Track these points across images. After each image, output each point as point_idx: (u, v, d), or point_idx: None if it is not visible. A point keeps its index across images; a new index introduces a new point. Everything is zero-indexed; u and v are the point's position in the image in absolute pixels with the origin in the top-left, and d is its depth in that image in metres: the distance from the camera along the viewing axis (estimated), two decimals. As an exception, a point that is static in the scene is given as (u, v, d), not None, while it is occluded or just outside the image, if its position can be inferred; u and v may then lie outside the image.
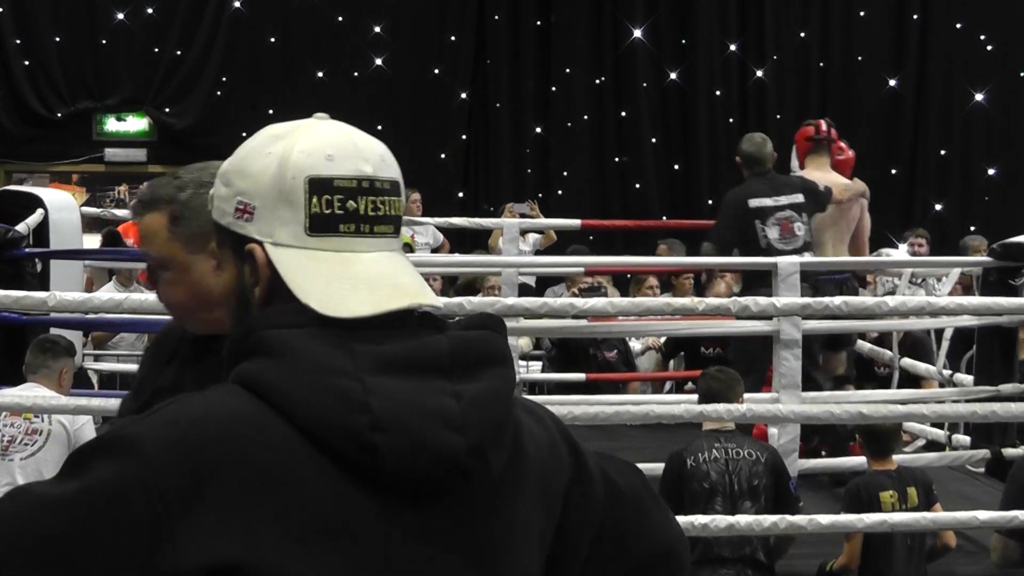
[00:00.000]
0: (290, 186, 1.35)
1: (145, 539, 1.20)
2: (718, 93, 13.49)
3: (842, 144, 7.38)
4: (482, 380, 1.33)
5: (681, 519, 4.87)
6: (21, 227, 5.87)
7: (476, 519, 1.33)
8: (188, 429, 1.24)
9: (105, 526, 1.21)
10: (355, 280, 1.33)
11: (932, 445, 7.55)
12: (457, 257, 6.64)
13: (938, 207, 13.54)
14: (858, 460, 5.83)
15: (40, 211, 6.30)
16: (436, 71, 13.40)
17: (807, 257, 6.83)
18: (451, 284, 9.29)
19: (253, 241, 1.37)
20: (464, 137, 13.47)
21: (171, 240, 2.14)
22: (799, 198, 7.03)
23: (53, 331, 5.96)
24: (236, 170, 1.41)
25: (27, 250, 5.88)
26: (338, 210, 1.34)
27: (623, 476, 1.53)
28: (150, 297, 5.12)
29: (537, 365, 8.97)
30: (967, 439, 6.72)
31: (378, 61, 13.33)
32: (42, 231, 6.30)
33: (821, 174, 6.94)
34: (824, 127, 7.01)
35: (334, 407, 1.25)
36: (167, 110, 13.20)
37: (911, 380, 7.54)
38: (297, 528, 1.23)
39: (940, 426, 7.04)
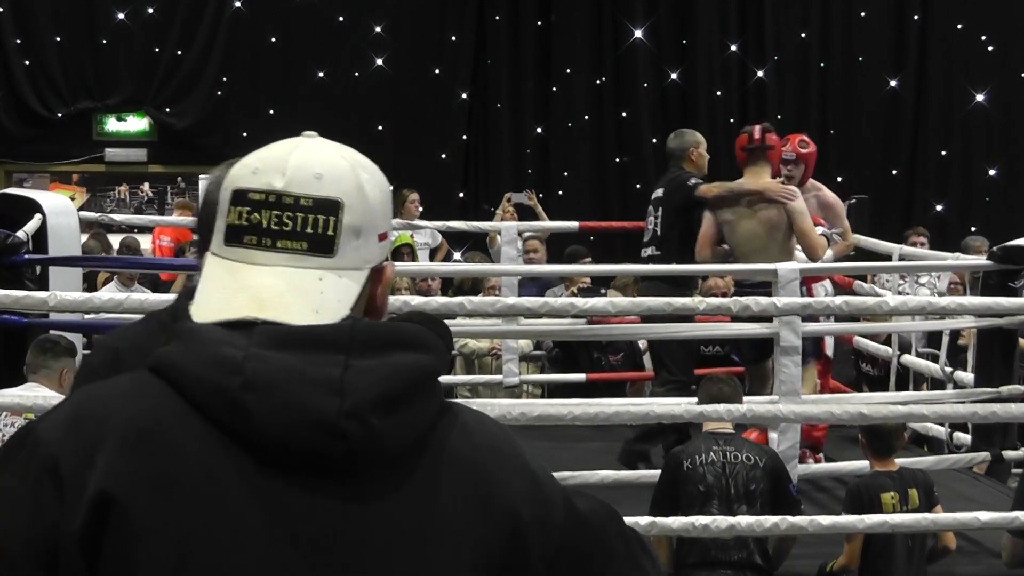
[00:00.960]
0: (223, 198, 1.41)
1: (52, 514, 1.29)
2: (718, 93, 13.49)
3: (804, 137, 7.29)
4: (383, 359, 1.34)
5: (681, 520, 4.89)
6: (20, 234, 5.87)
7: (372, 503, 1.33)
8: (78, 410, 1.34)
9: (15, 519, 1.30)
10: (225, 289, 1.38)
11: (933, 443, 7.56)
12: (461, 266, 6.64)
13: (938, 207, 13.54)
14: (859, 463, 5.83)
15: (38, 216, 6.29)
16: (436, 71, 13.40)
17: (650, 251, 6.95)
18: (449, 284, 9.30)
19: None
20: (464, 137, 13.47)
21: None
22: (660, 192, 7.22)
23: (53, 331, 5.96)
24: None
25: (26, 256, 5.87)
26: (244, 222, 1.38)
27: (592, 510, 1.52)
28: (150, 297, 5.14)
29: (537, 366, 8.97)
30: (967, 437, 6.72)
31: (378, 61, 13.33)
32: (40, 236, 6.29)
33: (754, 181, 6.90)
34: (757, 134, 6.94)
35: (211, 371, 1.30)
36: (167, 110, 13.20)
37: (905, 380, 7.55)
38: (168, 484, 1.29)
39: (941, 425, 7.05)
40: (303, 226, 1.38)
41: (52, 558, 1.29)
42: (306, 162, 1.40)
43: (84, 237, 8.26)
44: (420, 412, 1.36)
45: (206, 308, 1.38)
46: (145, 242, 11.04)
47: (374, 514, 1.34)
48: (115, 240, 10.50)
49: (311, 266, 1.38)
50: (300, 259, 1.38)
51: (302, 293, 1.37)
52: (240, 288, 1.37)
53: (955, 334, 7.59)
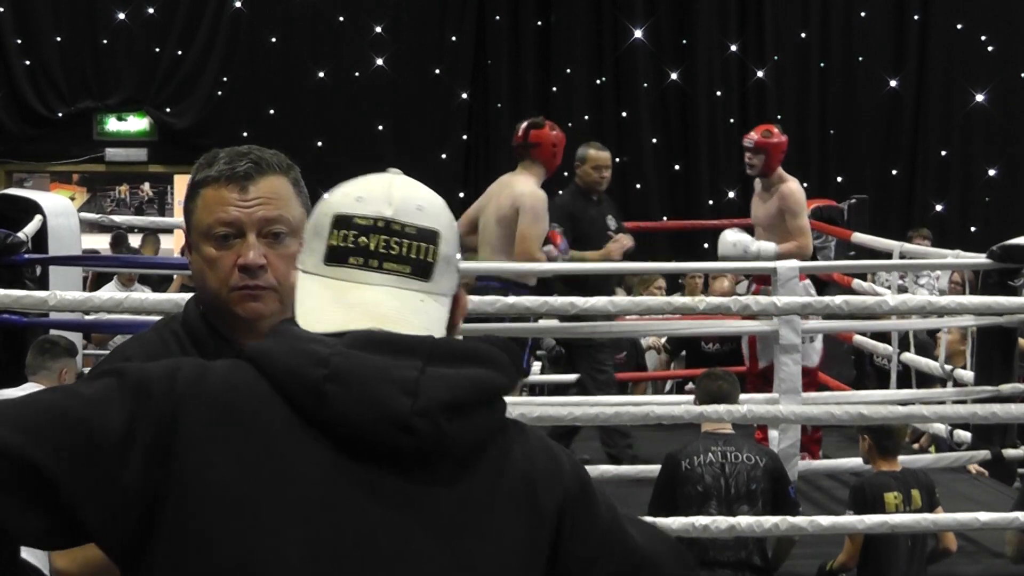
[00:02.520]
0: (322, 222, 1.52)
1: (144, 437, 1.39)
2: (718, 93, 13.49)
3: (769, 127, 7.25)
4: (458, 369, 1.46)
5: (680, 520, 4.88)
6: (20, 235, 5.87)
7: (436, 491, 1.44)
8: (178, 363, 1.47)
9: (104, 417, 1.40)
10: (338, 304, 1.49)
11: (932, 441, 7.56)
12: (462, 264, 6.63)
13: (938, 207, 13.55)
14: (858, 461, 5.82)
15: (38, 217, 6.30)
16: (436, 71, 13.40)
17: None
18: None
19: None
20: (464, 137, 13.47)
21: (301, 207, 2.07)
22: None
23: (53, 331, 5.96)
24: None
25: (26, 256, 5.88)
26: (351, 244, 1.50)
27: (645, 536, 1.62)
28: (150, 297, 5.13)
29: (536, 366, 8.96)
30: (967, 435, 6.72)
31: (378, 61, 13.33)
32: (40, 237, 6.29)
33: (513, 178, 6.92)
34: (521, 132, 6.97)
35: (299, 362, 1.42)
36: (167, 110, 13.20)
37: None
38: (245, 459, 1.39)
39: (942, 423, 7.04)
40: (408, 251, 1.50)
41: (128, 459, 1.38)
42: (409, 195, 1.53)
43: (85, 237, 8.25)
44: (484, 420, 1.48)
45: (318, 320, 1.48)
46: (167, 242, 11.05)
47: (432, 502, 1.44)
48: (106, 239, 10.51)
49: (413, 288, 1.51)
50: (404, 281, 1.50)
51: (413, 311, 1.50)
52: (352, 306, 1.48)
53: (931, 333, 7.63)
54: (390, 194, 1.52)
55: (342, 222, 1.50)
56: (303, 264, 1.53)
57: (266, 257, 2.01)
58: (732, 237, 7.06)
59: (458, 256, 1.57)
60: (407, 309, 1.49)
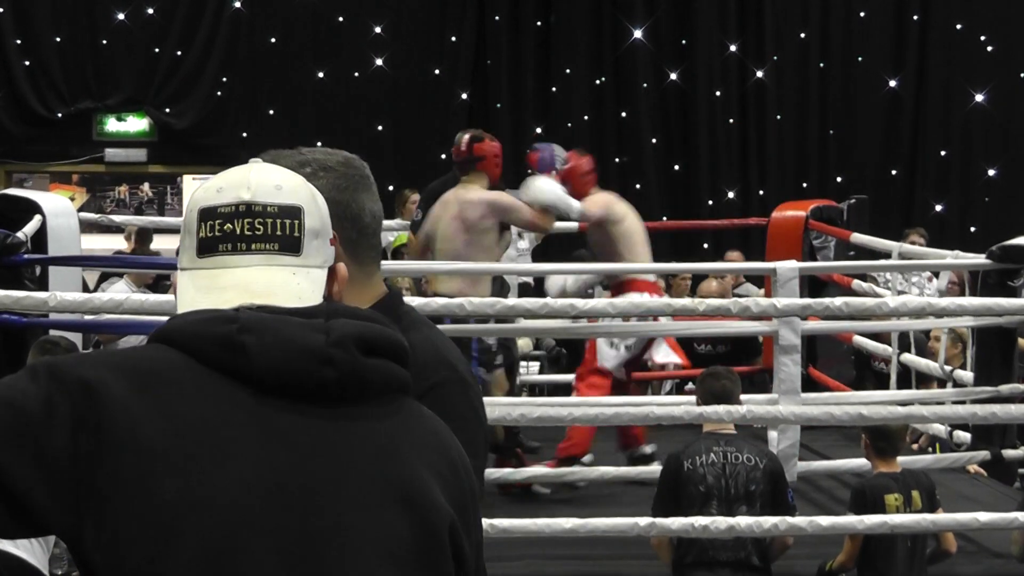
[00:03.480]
0: (190, 219, 1.59)
1: (65, 426, 1.42)
2: (718, 93, 13.49)
3: (570, 154, 7.20)
4: (359, 320, 1.54)
5: (680, 520, 4.89)
6: (19, 235, 5.87)
7: (358, 423, 1.51)
8: (89, 355, 1.54)
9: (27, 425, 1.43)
10: (212, 289, 1.56)
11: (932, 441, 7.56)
12: (459, 266, 6.63)
13: (938, 207, 13.55)
14: (858, 461, 5.83)
15: (38, 218, 6.30)
16: (436, 71, 13.40)
17: None
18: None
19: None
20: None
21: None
22: None
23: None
24: None
25: (26, 256, 5.88)
26: (218, 232, 1.57)
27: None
28: (151, 298, 5.14)
29: (536, 366, 8.98)
30: (967, 436, 6.72)
31: (378, 61, 13.33)
32: (40, 237, 6.30)
33: (465, 191, 6.91)
34: (464, 146, 6.95)
35: (207, 325, 1.49)
36: (167, 110, 13.20)
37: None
38: (173, 419, 1.44)
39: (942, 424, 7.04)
40: (272, 229, 1.57)
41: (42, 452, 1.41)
42: (265, 177, 1.59)
43: (84, 237, 8.25)
44: (394, 370, 1.55)
45: (196, 305, 1.54)
46: (165, 242, 11.03)
47: (356, 430, 1.51)
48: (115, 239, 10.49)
49: (284, 263, 1.57)
50: (273, 258, 1.57)
51: (283, 285, 1.56)
52: (224, 287, 1.55)
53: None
54: (248, 180, 1.58)
55: (207, 214, 1.57)
56: (181, 263, 1.59)
57: None
58: (546, 185, 7.03)
59: (329, 229, 1.62)
60: (277, 283, 1.56)
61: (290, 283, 1.56)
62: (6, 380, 1.47)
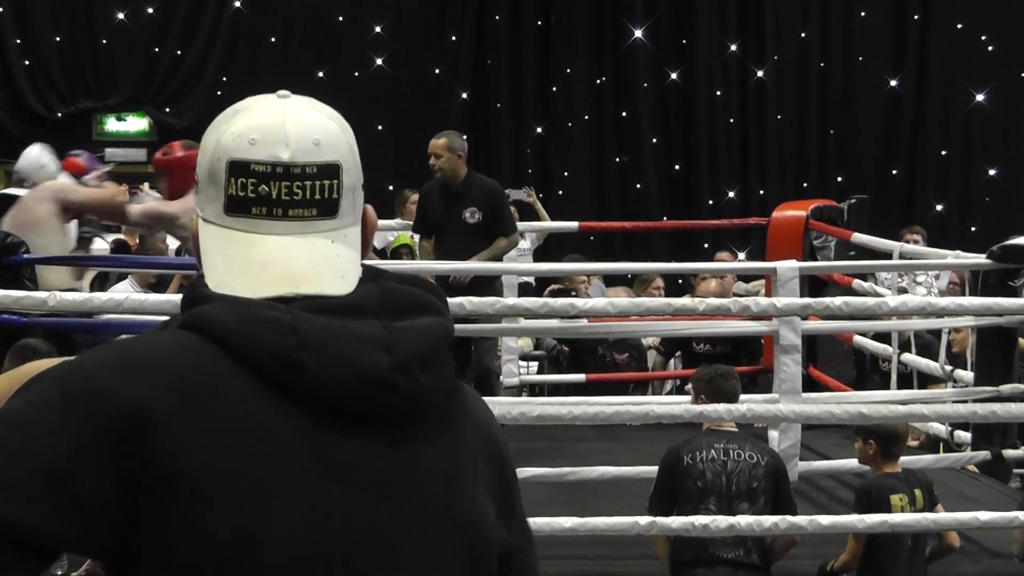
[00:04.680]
0: (216, 167, 1.43)
1: (92, 445, 1.30)
2: (718, 93, 13.49)
3: (171, 145, 7.15)
4: (413, 320, 1.42)
5: (680, 519, 4.89)
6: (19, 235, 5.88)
7: (415, 446, 1.41)
8: (124, 353, 1.36)
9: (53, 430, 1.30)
10: (250, 263, 1.41)
11: (934, 442, 7.55)
12: (459, 265, 6.64)
13: (938, 207, 13.55)
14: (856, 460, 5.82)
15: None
16: (436, 71, 13.40)
17: None
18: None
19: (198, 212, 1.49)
20: (464, 137, 13.44)
21: None
22: None
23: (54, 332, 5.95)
24: (202, 140, 1.50)
25: (25, 256, 5.87)
26: (251, 193, 1.42)
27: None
28: (150, 297, 5.13)
29: (536, 365, 8.97)
30: (968, 435, 6.72)
31: (378, 61, 13.34)
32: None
33: None
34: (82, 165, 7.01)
35: (263, 330, 1.34)
36: (167, 110, 13.20)
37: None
38: (231, 443, 1.32)
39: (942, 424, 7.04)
40: (311, 193, 1.43)
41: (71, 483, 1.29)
42: (303, 129, 1.44)
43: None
44: (448, 367, 1.45)
45: (230, 283, 1.40)
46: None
47: (415, 456, 1.41)
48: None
49: (322, 230, 1.44)
50: (312, 225, 1.43)
51: (325, 260, 1.43)
52: (265, 264, 1.41)
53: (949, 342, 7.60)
54: (285, 133, 1.43)
55: (238, 168, 1.42)
56: (204, 212, 1.45)
57: None
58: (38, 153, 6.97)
59: (361, 175, 1.49)
60: (319, 260, 1.43)
61: (331, 258, 1.43)
62: (25, 410, 1.32)
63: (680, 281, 11.05)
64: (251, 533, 1.32)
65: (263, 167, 1.42)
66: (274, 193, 1.42)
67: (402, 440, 1.40)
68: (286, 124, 1.43)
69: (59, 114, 13.10)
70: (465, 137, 13.36)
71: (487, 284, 7.00)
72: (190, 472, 1.31)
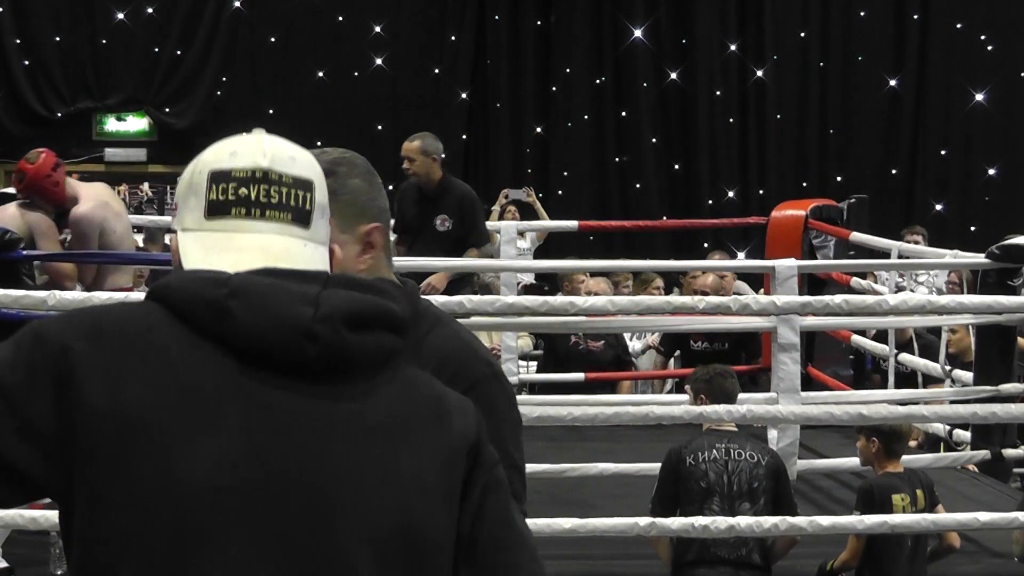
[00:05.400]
0: (198, 179, 1.56)
1: (46, 383, 1.43)
2: (718, 93, 13.48)
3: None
4: (355, 293, 1.50)
5: (680, 520, 4.88)
6: (17, 232, 5.87)
7: (344, 401, 1.48)
8: (78, 313, 1.49)
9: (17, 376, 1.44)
10: (227, 249, 1.52)
11: (932, 442, 7.55)
12: (458, 262, 6.64)
13: (938, 207, 13.54)
14: (858, 461, 5.82)
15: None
16: (436, 71, 13.40)
17: None
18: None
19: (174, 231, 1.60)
20: (464, 137, 13.46)
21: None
22: None
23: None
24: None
25: (24, 252, 5.87)
26: (231, 196, 1.54)
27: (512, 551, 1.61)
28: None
29: (533, 365, 8.96)
30: (967, 435, 6.72)
31: (378, 61, 13.33)
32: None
33: None
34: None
35: (198, 284, 1.46)
36: (167, 110, 13.20)
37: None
38: (156, 383, 1.42)
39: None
40: (287, 199, 1.55)
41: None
42: (279, 146, 1.57)
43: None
44: (384, 340, 1.51)
45: (208, 263, 1.51)
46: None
47: (341, 411, 1.48)
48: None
49: (296, 235, 1.55)
50: (287, 228, 1.55)
51: (300, 252, 1.54)
52: (242, 249, 1.52)
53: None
54: (262, 147, 1.56)
55: (219, 176, 1.54)
56: (182, 224, 1.56)
57: None
58: None
59: (328, 210, 1.60)
60: (295, 249, 1.53)
61: (305, 252, 1.55)
62: None
63: (681, 281, 11.04)
64: (171, 469, 1.40)
65: (243, 172, 1.54)
66: (252, 195, 1.53)
67: (326, 395, 1.47)
68: (263, 142, 1.57)
69: (59, 114, 13.10)
70: (464, 137, 13.44)
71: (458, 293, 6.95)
72: (118, 407, 1.40)
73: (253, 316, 1.44)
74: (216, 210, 1.54)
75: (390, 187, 10.75)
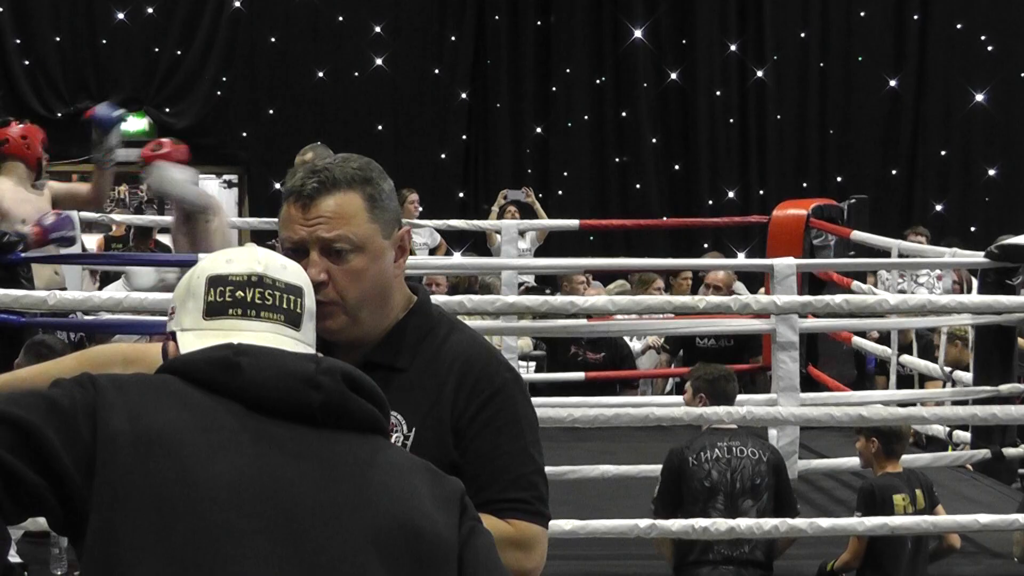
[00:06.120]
0: (195, 284, 1.70)
1: (86, 416, 1.52)
2: (718, 93, 13.48)
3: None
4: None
5: (681, 522, 4.88)
6: (15, 233, 5.86)
7: (342, 447, 1.58)
8: (115, 376, 1.60)
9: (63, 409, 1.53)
10: (226, 339, 1.63)
11: (933, 441, 7.55)
12: (458, 260, 6.65)
13: (938, 207, 13.54)
14: (858, 461, 5.82)
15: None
16: (436, 71, 13.39)
17: None
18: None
19: (173, 335, 1.72)
20: (464, 137, 13.46)
21: (372, 222, 2.12)
22: None
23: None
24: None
25: (23, 254, 5.87)
26: (228, 298, 1.68)
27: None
28: (150, 297, 5.12)
29: (532, 365, 8.95)
30: (967, 435, 6.72)
31: (378, 61, 13.33)
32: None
33: None
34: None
35: (208, 352, 1.60)
36: (167, 110, 13.19)
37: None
38: (175, 417, 1.53)
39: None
40: (280, 302, 1.69)
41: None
42: (271, 257, 1.72)
43: (84, 237, 8.23)
44: (375, 410, 1.63)
45: (203, 344, 1.65)
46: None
47: (342, 450, 1.59)
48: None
49: (288, 335, 1.68)
50: (280, 328, 1.68)
51: (292, 348, 1.67)
52: (240, 342, 1.63)
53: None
54: (256, 256, 1.70)
55: (217, 281, 1.68)
56: (180, 324, 1.69)
57: (329, 272, 2.09)
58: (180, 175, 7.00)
59: (315, 312, 1.74)
60: (288, 347, 1.66)
61: (297, 350, 1.67)
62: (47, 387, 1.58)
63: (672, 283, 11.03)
64: (189, 473, 1.49)
65: (240, 277, 1.68)
66: (248, 297, 1.67)
67: (327, 437, 1.58)
68: (256, 252, 1.72)
69: (59, 114, 13.09)
70: (464, 137, 13.43)
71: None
72: (136, 427, 1.50)
73: (261, 369, 1.56)
74: (214, 311, 1.67)
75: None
